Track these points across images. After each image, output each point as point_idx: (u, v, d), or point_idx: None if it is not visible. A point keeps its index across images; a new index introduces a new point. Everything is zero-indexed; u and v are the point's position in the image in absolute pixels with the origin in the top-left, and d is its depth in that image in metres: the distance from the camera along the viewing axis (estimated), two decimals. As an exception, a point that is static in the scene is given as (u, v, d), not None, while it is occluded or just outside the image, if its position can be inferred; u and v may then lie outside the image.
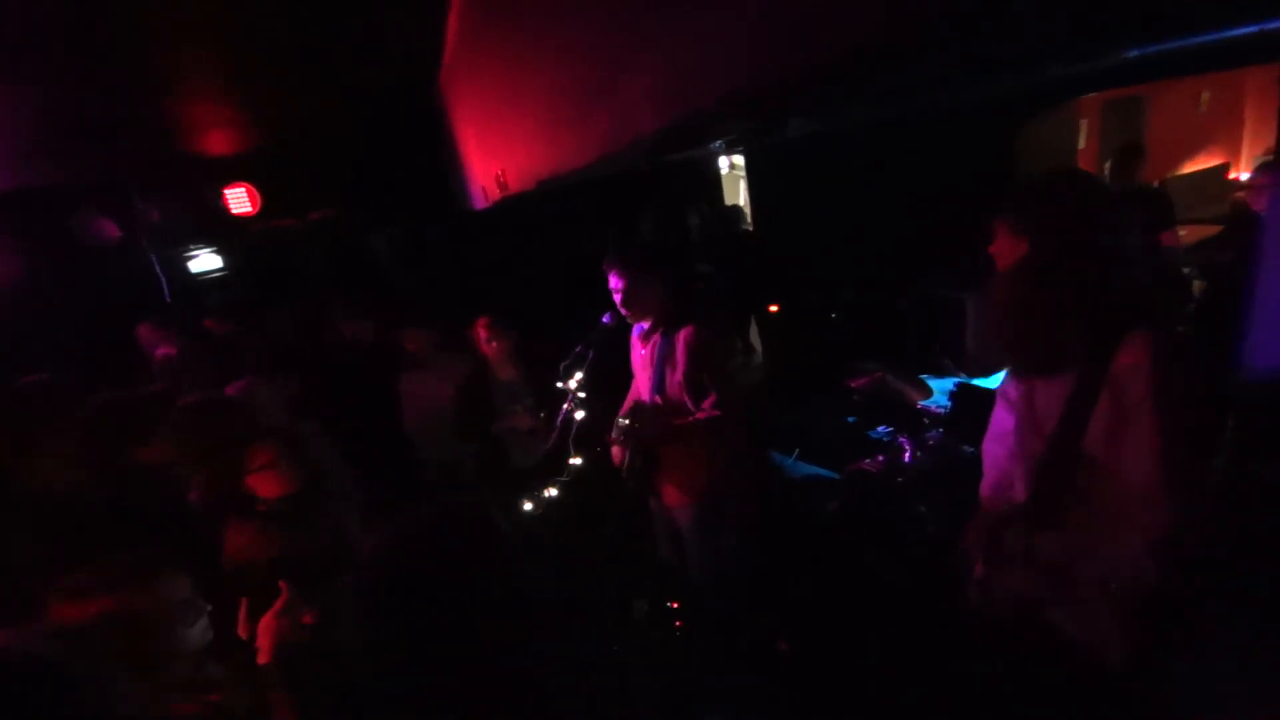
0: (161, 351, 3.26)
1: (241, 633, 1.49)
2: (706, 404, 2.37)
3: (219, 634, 1.39)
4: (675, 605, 2.73)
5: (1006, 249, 1.45)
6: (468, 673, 0.84)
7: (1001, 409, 1.66)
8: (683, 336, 2.38)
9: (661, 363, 2.44)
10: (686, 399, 2.40)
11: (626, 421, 2.53)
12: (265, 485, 2.00)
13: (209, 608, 1.35)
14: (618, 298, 2.42)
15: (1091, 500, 1.37)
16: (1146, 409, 1.26)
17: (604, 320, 2.51)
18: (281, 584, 1.49)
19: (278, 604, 1.46)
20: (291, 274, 6.15)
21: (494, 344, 3.14)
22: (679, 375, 2.40)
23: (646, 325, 2.51)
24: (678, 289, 2.50)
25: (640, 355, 2.58)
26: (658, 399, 2.47)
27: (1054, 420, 1.39)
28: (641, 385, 2.60)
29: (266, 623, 1.45)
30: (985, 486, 1.71)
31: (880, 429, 3.36)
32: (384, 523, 0.92)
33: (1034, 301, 1.35)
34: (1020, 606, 1.52)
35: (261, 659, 1.41)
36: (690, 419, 2.40)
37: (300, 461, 2.12)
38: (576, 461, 2.71)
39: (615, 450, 2.68)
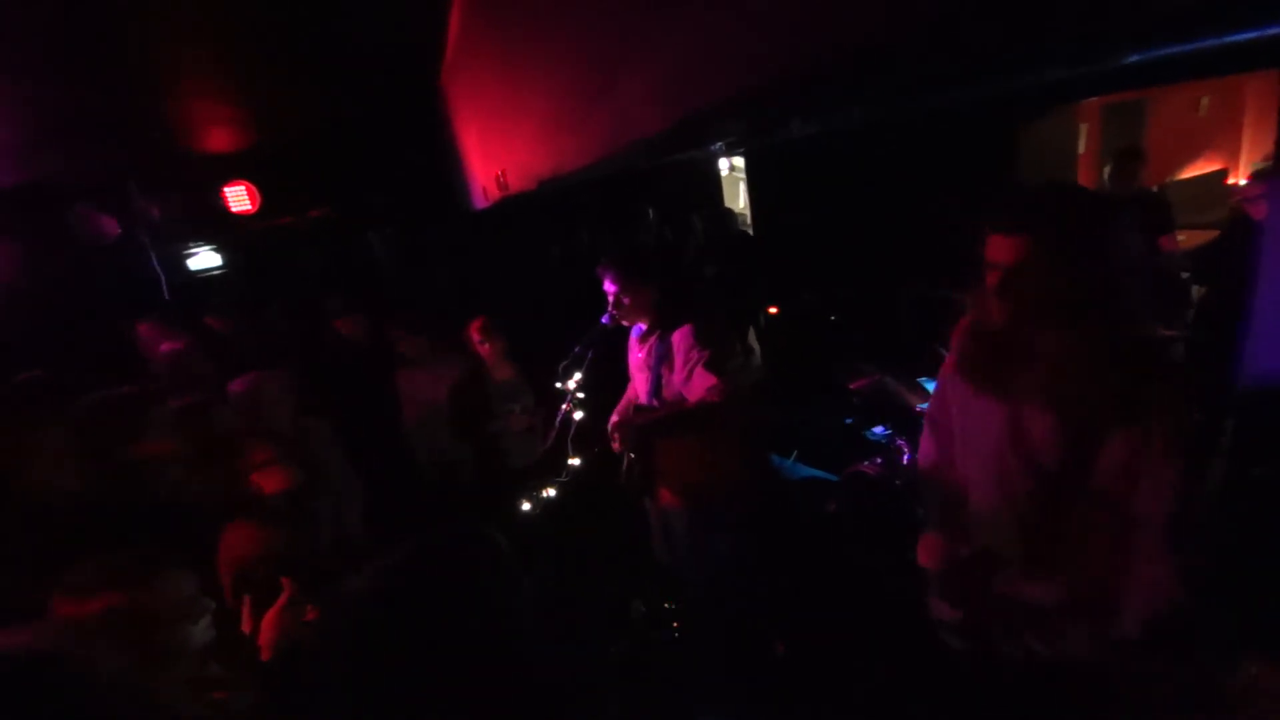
0: (163, 348, 3.26)
1: (245, 629, 1.49)
2: (705, 387, 2.28)
3: (222, 632, 1.38)
4: (673, 606, 2.73)
5: (1004, 255, 1.26)
6: (468, 678, 0.84)
7: (932, 439, 1.58)
8: (679, 335, 2.37)
9: (659, 365, 2.43)
10: (683, 400, 2.40)
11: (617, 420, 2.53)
12: (268, 481, 2.01)
13: (213, 605, 1.35)
14: (612, 300, 2.42)
15: (1094, 541, 1.29)
16: (1172, 448, 1.17)
17: (603, 320, 2.51)
18: (284, 580, 1.48)
19: (280, 601, 1.46)
20: (290, 272, 6.15)
21: (487, 345, 3.14)
22: (676, 376, 2.39)
23: (644, 327, 2.51)
24: (675, 291, 2.50)
25: (637, 358, 2.58)
26: (655, 402, 2.46)
27: (1052, 457, 1.27)
28: (639, 388, 2.59)
29: (270, 620, 1.44)
30: (934, 521, 1.60)
31: (879, 431, 3.36)
32: (385, 543, 0.93)
33: (1049, 318, 1.23)
34: (1023, 651, 1.45)
35: (264, 656, 1.40)
36: (689, 405, 2.34)
37: (297, 459, 2.13)
38: (575, 462, 2.71)
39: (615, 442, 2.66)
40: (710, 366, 2.28)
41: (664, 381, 2.44)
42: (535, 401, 3.19)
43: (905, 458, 3.02)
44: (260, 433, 2.27)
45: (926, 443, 1.63)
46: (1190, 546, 1.21)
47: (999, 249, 1.25)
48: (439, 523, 0.97)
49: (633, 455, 2.57)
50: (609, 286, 2.41)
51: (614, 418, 2.62)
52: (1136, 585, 1.26)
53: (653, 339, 2.46)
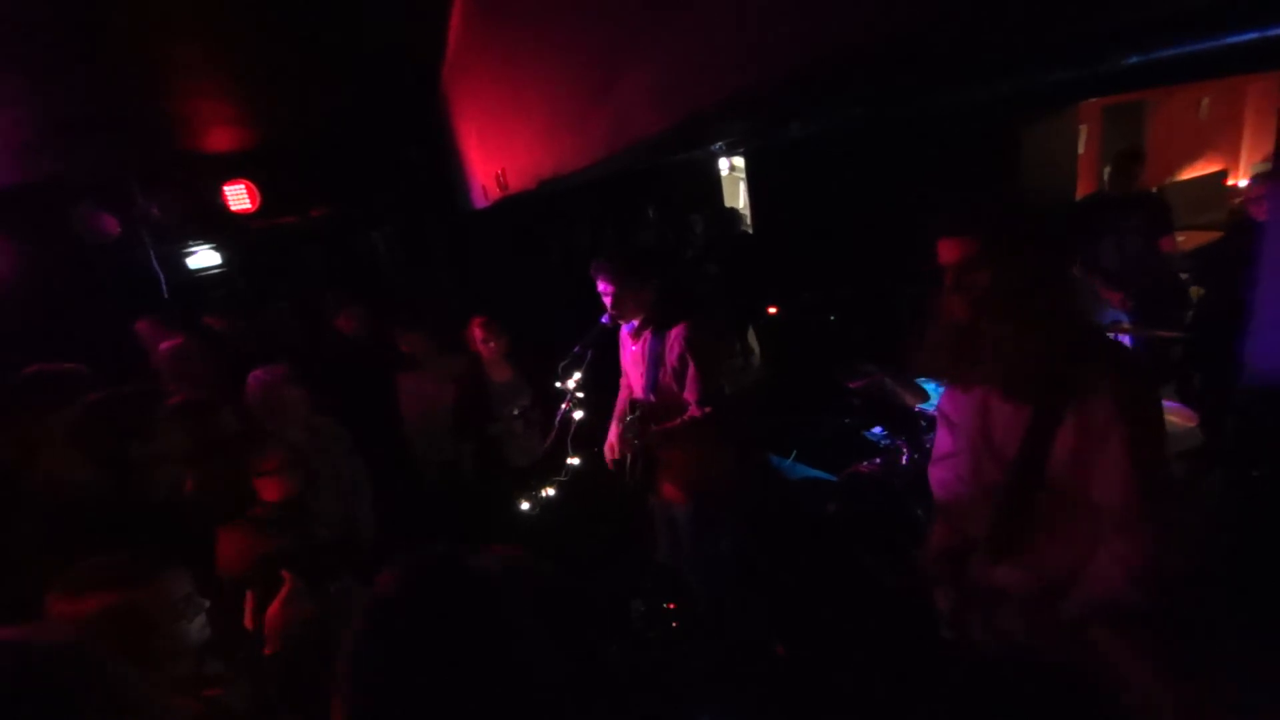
0: (162, 347, 3.25)
1: (248, 625, 1.49)
2: (693, 399, 2.35)
3: (218, 630, 1.39)
4: (672, 606, 2.73)
5: (950, 255, 1.40)
6: (470, 675, 0.84)
7: (944, 431, 1.63)
8: (675, 333, 2.38)
9: (654, 360, 2.44)
10: (678, 395, 2.41)
11: (631, 418, 2.53)
12: (268, 490, 2.01)
13: (208, 604, 1.35)
14: (607, 300, 2.43)
15: (1057, 529, 1.34)
16: (1116, 431, 1.21)
17: (602, 320, 2.51)
18: (285, 574, 1.49)
19: (282, 594, 1.46)
20: (290, 272, 6.15)
21: (490, 344, 3.14)
22: (670, 371, 2.40)
23: (636, 323, 2.52)
24: (671, 290, 2.51)
25: (631, 353, 2.59)
26: (651, 397, 2.47)
27: (1014, 447, 1.34)
28: (634, 383, 2.60)
29: (272, 615, 1.45)
30: (937, 513, 1.67)
31: (877, 431, 3.36)
32: (386, 542, 0.93)
33: (995, 313, 1.31)
34: (997, 638, 1.49)
35: (268, 650, 1.41)
36: (680, 420, 2.39)
37: (306, 459, 2.13)
38: (575, 461, 2.71)
39: (609, 451, 2.67)
40: (700, 380, 2.34)
41: (659, 377, 2.45)
42: (535, 401, 3.19)
43: (904, 458, 3.02)
44: (271, 433, 2.28)
45: (939, 436, 1.68)
46: (1160, 540, 1.23)
47: (946, 250, 1.39)
48: (452, 532, 0.97)
49: (635, 460, 2.58)
50: (602, 287, 2.42)
51: (614, 426, 2.62)
52: (1088, 573, 1.30)
53: (646, 334, 2.46)
